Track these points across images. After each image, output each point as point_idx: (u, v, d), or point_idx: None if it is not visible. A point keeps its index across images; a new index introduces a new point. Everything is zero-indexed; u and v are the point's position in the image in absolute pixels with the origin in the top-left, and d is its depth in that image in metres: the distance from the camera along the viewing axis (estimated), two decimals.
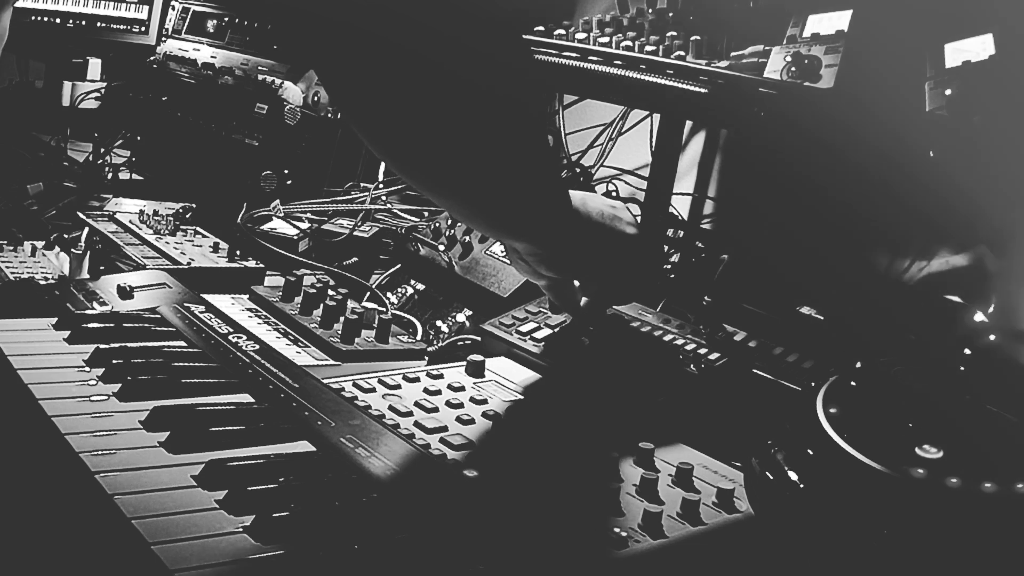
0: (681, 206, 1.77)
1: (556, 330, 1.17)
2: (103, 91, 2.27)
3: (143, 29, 2.39)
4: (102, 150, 2.00)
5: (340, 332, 1.15)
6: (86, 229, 1.53)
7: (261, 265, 1.46)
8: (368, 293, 1.43)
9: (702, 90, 1.24)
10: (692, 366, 1.09)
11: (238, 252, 1.49)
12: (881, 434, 0.74)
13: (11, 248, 1.41)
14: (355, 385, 0.98)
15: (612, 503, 0.80)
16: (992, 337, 0.94)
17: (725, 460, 0.92)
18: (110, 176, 1.95)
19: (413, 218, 1.67)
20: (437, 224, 1.57)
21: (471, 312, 1.41)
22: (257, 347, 1.04)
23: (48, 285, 1.20)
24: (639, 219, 1.24)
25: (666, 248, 1.63)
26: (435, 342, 1.32)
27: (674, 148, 1.70)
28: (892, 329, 1.23)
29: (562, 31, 1.45)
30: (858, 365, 0.85)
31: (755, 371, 1.10)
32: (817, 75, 1.15)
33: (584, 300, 1.17)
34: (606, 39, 1.40)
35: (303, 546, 0.66)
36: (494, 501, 0.78)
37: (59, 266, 1.37)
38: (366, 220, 1.66)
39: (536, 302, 1.25)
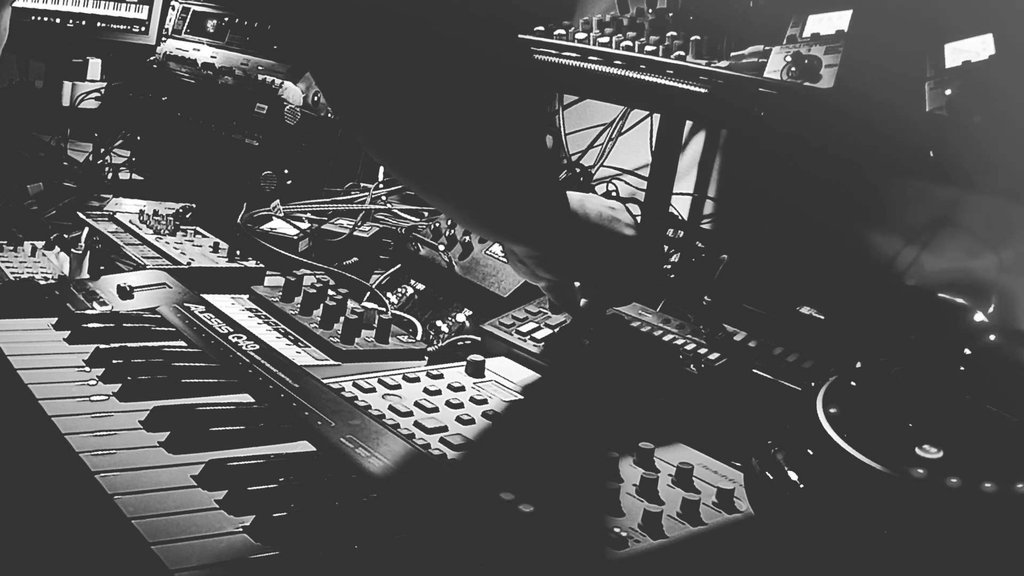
0: (681, 206, 1.77)
1: (556, 330, 1.17)
2: (103, 91, 2.27)
3: (143, 29, 2.39)
4: (102, 150, 2.00)
5: (340, 332, 1.15)
6: (86, 229, 1.53)
7: (261, 265, 1.46)
8: (368, 293, 1.43)
9: (702, 90, 1.24)
10: (692, 366, 1.09)
11: (238, 252, 1.49)
12: (881, 434, 0.74)
13: (11, 248, 1.41)
14: (355, 385, 0.98)
15: (612, 503, 0.80)
16: (992, 337, 0.94)
17: (725, 460, 0.92)
18: (110, 176, 1.95)
19: (413, 218, 1.67)
20: (437, 224, 1.57)
21: (471, 312, 1.41)
22: (257, 347, 1.04)
23: (48, 285, 1.20)
24: (639, 219, 1.24)
25: (666, 248, 1.63)
26: (435, 342, 1.32)
27: (674, 148, 1.70)
28: (892, 329, 1.23)
29: (562, 31, 1.45)
30: (858, 365, 0.85)
31: (755, 371, 1.10)
32: (817, 75, 1.15)
33: (584, 301, 1.17)
34: (606, 39, 1.40)
35: (303, 546, 0.66)
36: (493, 501, 0.78)
37: (59, 266, 1.37)
38: (366, 220, 1.66)
39: (536, 302, 1.25)
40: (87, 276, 1.30)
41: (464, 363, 1.08)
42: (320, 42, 0.82)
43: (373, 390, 0.98)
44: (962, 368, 0.83)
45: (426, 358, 1.18)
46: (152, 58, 2.26)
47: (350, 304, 1.24)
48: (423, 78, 0.80)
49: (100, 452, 0.76)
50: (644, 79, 1.32)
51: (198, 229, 1.63)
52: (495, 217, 0.98)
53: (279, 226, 1.66)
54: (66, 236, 1.47)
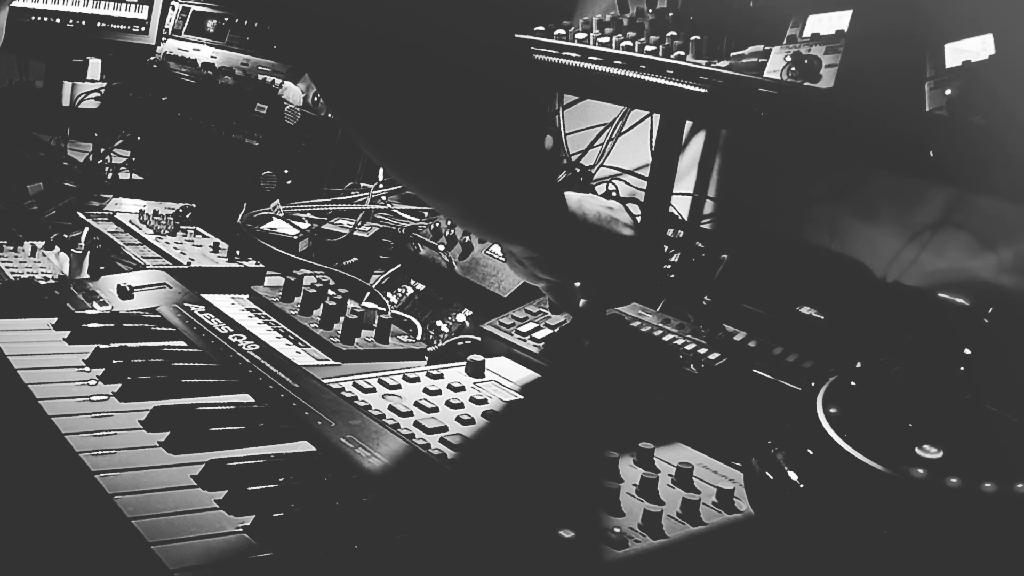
0: (681, 206, 1.77)
1: (556, 330, 1.17)
2: (103, 91, 2.27)
3: (143, 29, 2.39)
4: (102, 150, 2.00)
5: (340, 332, 1.15)
6: (86, 229, 1.53)
7: (261, 265, 1.46)
8: (368, 293, 1.43)
9: (702, 90, 1.24)
10: (692, 366, 1.09)
11: (238, 252, 1.49)
12: (881, 434, 0.74)
13: (11, 248, 1.41)
14: (355, 385, 0.98)
15: (612, 503, 0.80)
16: (992, 337, 0.94)
17: (725, 460, 0.92)
18: (110, 176, 1.95)
19: (413, 218, 1.67)
20: (437, 224, 1.57)
21: (471, 312, 1.41)
22: (257, 347, 1.04)
23: (48, 285, 1.20)
24: (639, 219, 1.24)
25: (666, 248, 1.63)
26: (435, 342, 1.32)
27: (674, 148, 1.70)
28: (892, 329, 1.23)
29: (562, 31, 1.45)
30: (858, 365, 0.85)
31: (755, 371, 1.10)
32: (817, 75, 1.15)
33: (583, 301, 1.17)
34: (606, 39, 1.40)
35: (303, 546, 0.66)
36: (494, 501, 0.78)
37: (59, 266, 1.37)
38: (366, 220, 1.66)
39: (536, 302, 1.25)
40: (87, 276, 1.30)
41: (464, 363, 1.08)
42: (318, 40, 0.82)
43: (373, 390, 0.98)
44: (962, 368, 0.83)
45: (426, 358, 1.18)
46: (152, 58, 2.26)
47: (350, 304, 1.24)
48: (420, 75, 0.80)
49: (100, 452, 0.76)
50: (644, 79, 1.32)
51: (198, 229, 1.63)
52: (492, 217, 0.98)
53: (279, 226, 1.66)
54: (66, 236, 1.47)
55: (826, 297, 1.31)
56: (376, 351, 1.14)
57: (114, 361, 0.92)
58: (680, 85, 1.27)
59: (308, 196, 1.77)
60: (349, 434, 0.85)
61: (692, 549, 0.78)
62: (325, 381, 0.97)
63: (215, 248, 1.52)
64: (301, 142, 1.87)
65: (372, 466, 0.80)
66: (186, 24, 2.25)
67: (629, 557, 0.74)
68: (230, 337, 1.06)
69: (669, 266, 1.58)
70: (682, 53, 1.30)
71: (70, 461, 0.75)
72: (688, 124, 1.77)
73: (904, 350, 1.17)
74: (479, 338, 1.21)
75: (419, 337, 1.31)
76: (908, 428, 0.75)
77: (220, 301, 1.20)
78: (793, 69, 1.16)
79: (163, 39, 2.31)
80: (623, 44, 1.36)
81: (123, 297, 1.17)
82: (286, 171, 1.84)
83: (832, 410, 0.77)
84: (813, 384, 0.82)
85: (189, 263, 1.43)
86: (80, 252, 1.38)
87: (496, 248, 1.46)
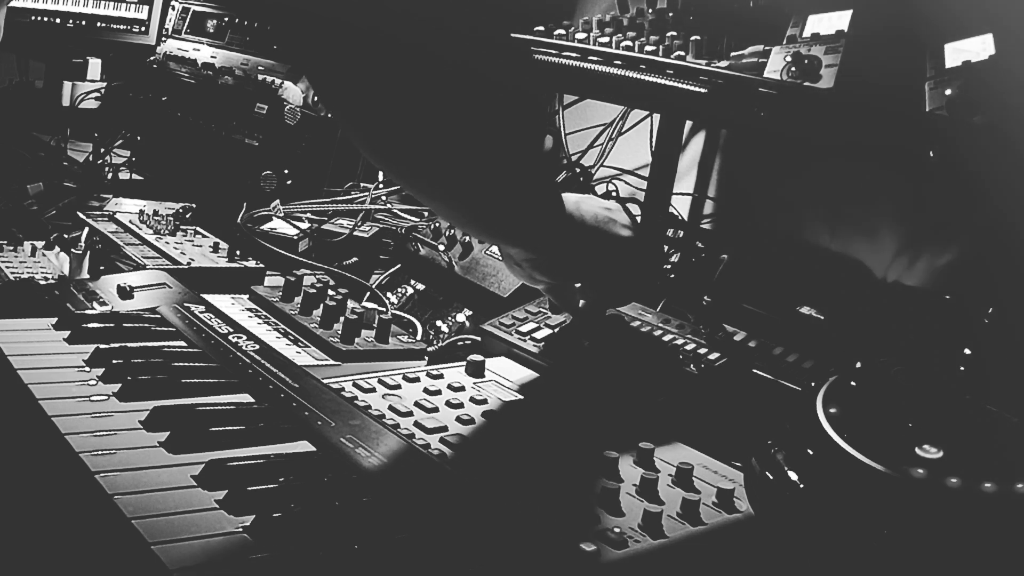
0: (681, 206, 1.77)
1: (556, 330, 1.17)
2: (103, 91, 2.27)
3: (143, 29, 2.39)
4: (102, 150, 2.00)
5: (340, 332, 1.15)
6: (86, 229, 1.53)
7: (261, 265, 1.46)
8: (368, 293, 1.43)
9: (702, 90, 1.24)
10: (692, 366, 1.09)
11: (238, 252, 1.49)
12: (881, 434, 0.74)
13: (11, 248, 1.41)
14: (355, 385, 0.98)
15: (612, 503, 0.80)
16: (992, 337, 0.94)
17: (725, 460, 0.92)
18: (110, 176, 1.95)
19: (413, 218, 1.67)
20: (437, 224, 1.57)
21: (471, 312, 1.41)
22: (257, 347, 1.04)
23: (48, 285, 1.20)
24: (639, 219, 1.24)
25: (666, 248, 1.63)
26: (435, 342, 1.32)
27: (674, 148, 1.70)
28: (892, 329, 1.23)
29: (562, 31, 1.45)
30: (858, 365, 0.85)
31: (755, 371, 1.10)
32: (817, 75, 1.15)
33: (582, 302, 1.17)
34: (606, 39, 1.40)
35: (303, 546, 0.66)
36: (494, 501, 0.78)
37: (59, 266, 1.37)
38: (366, 220, 1.66)
39: (536, 302, 1.25)
40: (87, 276, 1.30)
41: (464, 363, 1.08)
42: (317, 40, 0.82)
43: (373, 390, 0.98)
44: (962, 368, 0.83)
45: (426, 358, 1.18)
46: (152, 58, 2.26)
47: (350, 304, 1.24)
48: (420, 75, 0.80)
49: (100, 452, 0.76)
50: (644, 79, 1.32)
51: (198, 229, 1.63)
52: (489, 219, 0.98)
53: (279, 226, 1.66)
54: (66, 236, 1.47)
55: (826, 297, 1.31)
56: (376, 351, 1.14)
57: (114, 361, 0.92)
58: (680, 85, 1.27)
59: (308, 196, 1.77)
60: (349, 434, 0.85)
61: (692, 549, 0.78)
62: (325, 381, 0.97)
63: (215, 248, 1.52)
64: (301, 142, 1.87)
65: (372, 466, 0.79)
66: (186, 24, 2.25)
67: (629, 557, 0.74)
68: (230, 337, 1.06)
69: (669, 266, 1.58)
70: (682, 53, 1.30)
71: (70, 461, 0.75)
72: (688, 124, 1.77)
73: (904, 350, 1.17)
74: (479, 338, 1.21)
75: (419, 337, 1.31)
76: (908, 428, 0.75)
77: (220, 301, 1.20)
78: (793, 69, 1.16)
79: (163, 39, 2.31)
80: (623, 44, 1.37)
81: (123, 297, 1.17)
82: (286, 171, 1.84)
83: (832, 410, 0.77)
84: (813, 384, 0.82)
85: (189, 263, 1.43)
86: (80, 252, 1.38)
87: (496, 248, 1.46)
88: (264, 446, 0.81)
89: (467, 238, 1.50)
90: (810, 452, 0.75)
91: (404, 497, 0.76)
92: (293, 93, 1.89)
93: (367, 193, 1.74)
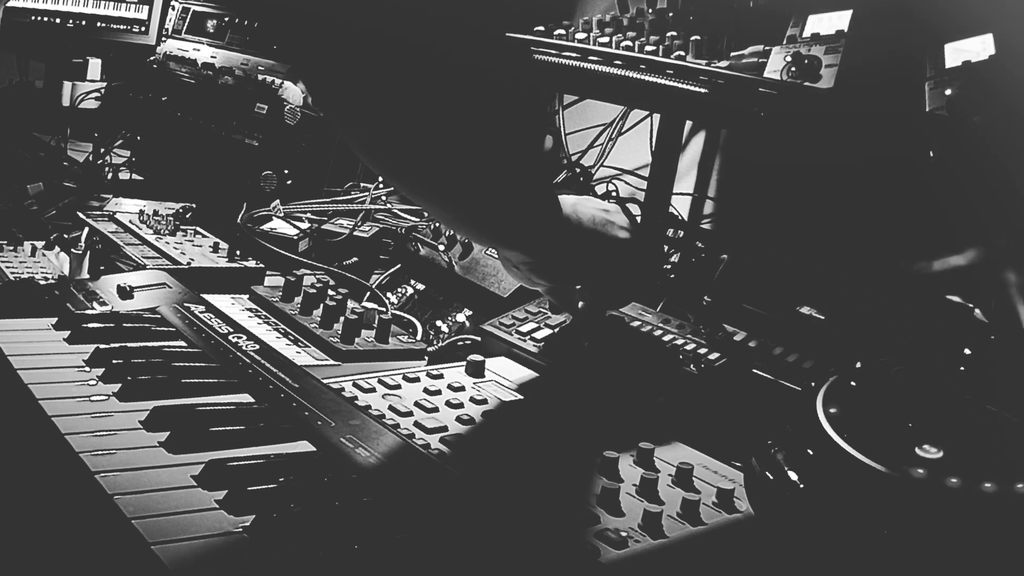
0: (681, 206, 1.77)
1: (556, 330, 1.17)
2: (103, 91, 2.27)
3: (143, 29, 2.39)
4: (102, 150, 2.00)
5: (340, 332, 1.15)
6: (86, 229, 1.54)
7: (261, 265, 1.46)
8: (368, 293, 1.43)
9: (702, 90, 1.24)
10: (692, 366, 1.09)
11: (238, 252, 1.49)
12: (881, 434, 0.74)
13: (11, 248, 1.41)
14: (355, 385, 0.98)
15: (612, 503, 0.80)
16: (992, 337, 0.94)
17: (725, 460, 0.92)
18: (110, 176, 1.95)
19: (413, 218, 1.67)
20: (437, 224, 1.57)
21: (471, 312, 1.41)
22: (257, 347, 1.04)
23: (48, 285, 1.20)
24: (639, 219, 1.24)
25: (666, 248, 1.63)
26: (435, 342, 1.32)
27: (674, 148, 1.70)
28: (892, 329, 1.23)
29: (562, 31, 1.45)
30: (858, 365, 0.85)
31: (755, 371, 1.10)
32: (817, 75, 1.15)
33: (581, 303, 1.17)
34: (606, 39, 1.40)
35: (303, 546, 0.66)
36: (494, 501, 0.78)
37: (59, 266, 1.37)
38: (366, 220, 1.66)
39: (536, 302, 1.25)
40: (87, 276, 1.30)
41: (464, 363, 1.08)
42: (315, 38, 0.82)
43: (373, 390, 0.98)
44: (962, 368, 0.83)
45: (426, 358, 1.18)
46: (152, 58, 2.26)
47: (350, 304, 1.24)
48: (421, 75, 0.80)
49: (100, 452, 0.76)
50: (644, 79, 1.32)
51: (198, 229, 1.63)
52: (485, 222, 0.98)
53: (279, 226, 1.66)
54: (66, 236, 1.47)
55: (826, 297, 1.31)
56: (376, 351, 1.14)
57: (114, 361, 0.92)
58: (680, 85, 1.27)
59: (308, 196, 1.77)
60: (349, 434, 0.85)
61: (692, 549, 0.78)
62: (325, 381, 0.97)
63: (215, 248, 1.52)
64: (301, 142, 1.87)
65: (372, 466, 0.79)
66: (186, 24, 2.25)
67: (629, 557, 0.74)
68: (230, 337, 1.06)
69: (669, 266, 1.58)
70: (682, 53, 1.30)
71: (70, 461, 0.75)
72: (688, 124, 1.77)
73: (904, 350, 1.17)
74: (479, 338, 1.21)
75: (419, 337, 1.31)
76: (908, 428, 0.75)
77: (220, 301, 1.20)
78: (793, 69, 1.16)
79: (163, 39, 2.31)
80: (623, 44, 1.37)
81: (123, 297, 1.17)
82: (286, 171, 1.84)
83: (832, 410, 0.77)
84: (813, 384, 0.82)
85: (189, 263, 1.43)
86: (80, 252, 1.38)
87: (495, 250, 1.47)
88: (264, 446, 0.81)
89: (467, 238, 1.50)
90: (810, 452, 0.75)
91: (404, 497, 0.76)
92: (293, 93, 1.89)
93: (367, 193, 1.74)
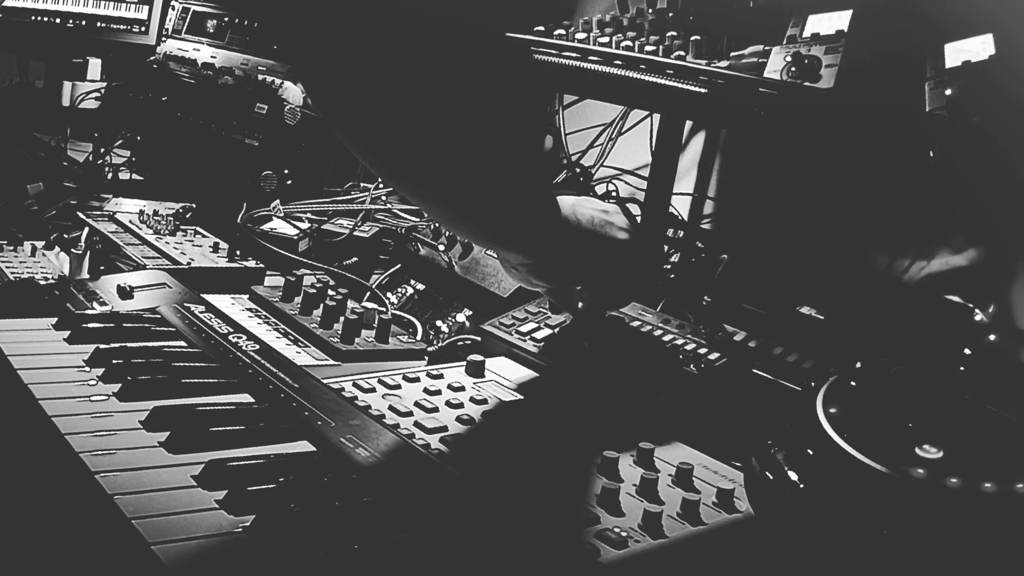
0: (681, 206, 1.77)
1: (556, 330, 1.17)
2: (103, 91, 2.27)
3: (143, 29, 2.39)
4: (102, 150, 2.00)
5: (340, 332, 1.15)
6: (86, 229, 1.54)
7: (261, 265, 1.46)
8: (368, 293, 1.43)
9: (702, 90, 1.24)
10: (692, 366, 1.09)
11: (238, 252, 1.49)
12: (881, 434, 0.74)
13: (11, 248, 1.41)
14: (355, 385, 0.98)
15: (612, 503, 0.80)
16: (992, 337, 0.94)
17: (725, 460, 0.92)
18: (110, 176, 1.96)
19: (413, 218, 1.67)
20: (437, 224, 1.57)
21: (471, 312, 1.41)
22: (257, 347, 1.04)
23: (48, 285, 1.20)
24: (639, 219, 1.24)
25: (666, 248, 1.63)
26: (435, 342, 1.32)
27: (674, 148, 1.70)
28: (892, 329, 1.23)
29: (562, 31, 1.45)
30: (858, 365, 0.85)
31: (755, 371, 1.10)
32: (817, 75, 1.15)
33: (581, 304, 1.17)
34: (606, 39, 1.40)
35: (303, 546, 0.66)
36: (494, 501, 0.78)
37: (59, 266, 1.37)
38: (366, 220, 1.66)
39: (536, 302, 1.25)
40: (87, 276, 1.30)
41: (464, 363, 1.08)
42: (315, 38, 0.82)
43: (373, 390, 0.98)
44: (962, 368, 0.83)
45: (426, 358, 1.18)
46: (152, 58, 2.26)
47: (350, 304, 1.24)
48: (422, 75, 0.80)
49: (100, 452, 0.76)
50: (644, 79, 1.32)
51: (198, 229, 1.63)
52: (483, 223, 0.98)
53: (279, 226, 1.66)
54: (66, 236, 1.47)
55: (826, 297, 1.31)
56: (376, 351, 1.14)
57: (114, 361, 0.92)
58: (680, 85, 1.27)
59: (308, 196, 1.77)
60: (349, 434, 0.85)
61: (692, 549, 0.78)
62: (325, 381, 0.97)
63: (215, 248, 1.52)
64: (301, 142, 1.87)
65: (372, 466, 0.79)
66: (186, 24, 2.25)
67: (629, 557, 0.74)
68: (230, 337, 1.06)
69: (669, 266, 1.58)
70: (682, 53, 1.30)
71: (70, 461, 0.75)
72: (688, 124, 1.77)
73: (904, 350, 1.17)
74: (479, 338, 1.21)
75: (419, 337, 1.31)
76: (908, 428, 0.75)
77: (220, 301, 1.21)
78: (793, 69, 1.16)
79: (163, 39, 2.31)
80: (623, 44, 1.37)
81: (123, 297, 1.17)
82: (286, 171, 1.84)
83: (832, 410, 0.77)
84: (813, 384, 0.82)
85: (189, 263, 1.43)
86: (80, 252, 1.38)
87: None
88: (264, 446, 0.81)
89: (466, 239, 1.50)
90: (810, 452, 0.75)
91: (404, 497, 0.76)
92: (293, 93, 1.89)
93: (367, 193, 1.74)
